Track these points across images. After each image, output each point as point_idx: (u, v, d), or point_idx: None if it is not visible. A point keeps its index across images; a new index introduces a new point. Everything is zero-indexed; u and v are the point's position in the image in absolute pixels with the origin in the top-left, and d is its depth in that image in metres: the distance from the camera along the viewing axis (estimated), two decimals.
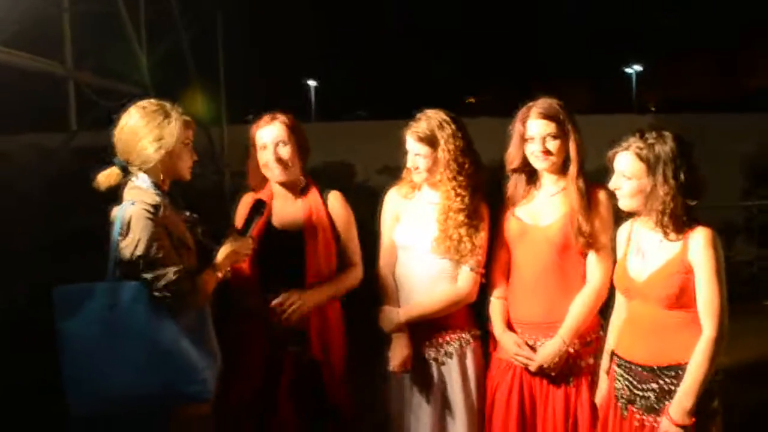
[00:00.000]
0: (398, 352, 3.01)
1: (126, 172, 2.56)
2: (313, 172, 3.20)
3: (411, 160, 3.04)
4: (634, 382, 2.61)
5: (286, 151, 3.01)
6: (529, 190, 3.03)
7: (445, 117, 2.99)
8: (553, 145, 2.87)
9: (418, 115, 3.03)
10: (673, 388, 2.50)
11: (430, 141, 2.97)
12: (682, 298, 2.51)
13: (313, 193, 3.09)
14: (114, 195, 2.58)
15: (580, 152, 2.88)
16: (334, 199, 3.11)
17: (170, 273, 2.44)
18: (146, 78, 6.35)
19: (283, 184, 3.08)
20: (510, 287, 3.05)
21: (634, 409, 2.60)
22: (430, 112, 3.02)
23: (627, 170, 2.56)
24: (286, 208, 3.08)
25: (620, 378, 2.67)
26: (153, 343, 2.43)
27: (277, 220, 3.07)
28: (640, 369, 2.60)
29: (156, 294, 2.44)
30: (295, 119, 3.09)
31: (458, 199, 2.97)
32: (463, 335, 3.07)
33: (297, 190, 3.11)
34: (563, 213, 2.91)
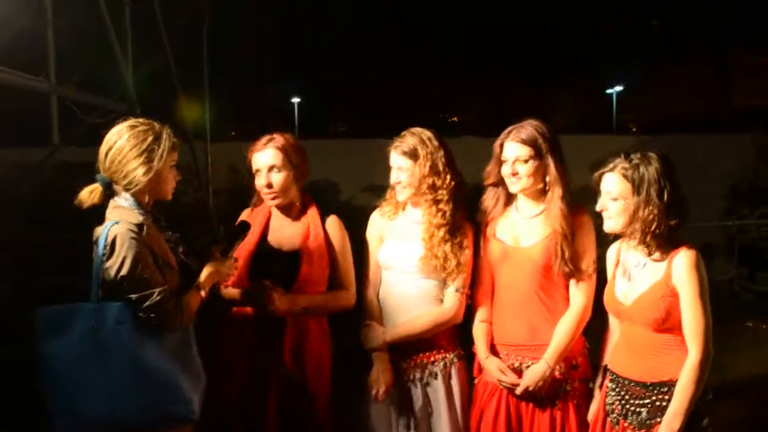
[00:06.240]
0: (381, 377, 3.00)
1: (109, 189, 2.53)
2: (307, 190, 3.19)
3: (394, 175, 3.07)
4: (627, 398, 2.62)
5: (278, 178, 3.00)
6: (506, 208, 3.05)
7: (428, 134, 3.04)
8: (522, 168, 2.90)
9: (403, 132, 3.08)
10: (665, 404, 2.52)
11: (413, 155, 3.00)
12: (669, 321, 2.53)
13: (313, 215, 3.08)
14: (96, 210, 2.55)
15: (561, 176, 2.90)
16: (332, 223, 3.11)
17: (155, 293, 2.42)
18: (131, 94, 6.33)
19: (277, 206, 3.08)
20: (494, 309, 3.06)
21: (626, 425, 2.62)
22: (415, 129, 3.07)
23: (613, 191, 2.59)
24: (283, 229, 3.08)
25: (612, 393, 2.68)
26: (137, 364, 2.40)
27: (273, 239, 3.06)
28: (632, 384, 2.62)
29: (141, 315, 2.42)
30: (292, 140, 3.07)
31: (439, 214, 2.99)
32: (448, 355, 3.07)
33: (294, 211, 3.10)
34: (545, 235, 2.93)
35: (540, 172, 2.92)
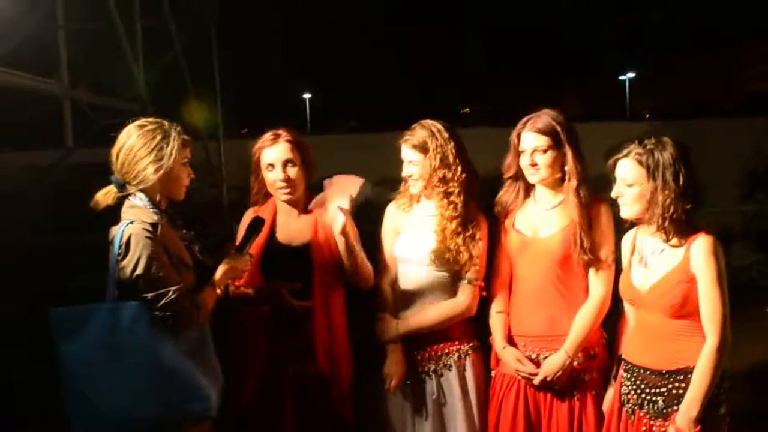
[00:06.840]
0: (394, 370, 3.00)
1: (123, 190, 2.54)
2: (311, 187, 3.18)
3: (405, 169, 3.06)
4: (643, 387, 2.61)
5: (294, 172, 3.00)
6: (525, 200, 3.04)
7: (439, 126, 3.03)
8: (541, 158, 2.88)
9: (414, 125, 3.07)
10: (681, 392, 2.51)
11: (422, 148, 2.99)
12: (686, 307, 2.51)
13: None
14: (111, 211, 2.56)
15: (579, 166, 2.88)
16: None
17: (171, 292, 2.43)
18: (143, 94, 6.36)
19: (288, 201, 3.08)
20: (512, 300, 3.05)
21: (642, 414, 2.60)
22: (425, 122, 3.06)
23: (628, 177, 2.57)
24: (290, 225, 3.07)
25: (627, 382, 2.67)
26: (155, 362, 2.41)
27: (282, 236, 3.05)
28: (648, 373, 2.60)
29: (157, 313, 2.42)
30: (298, 135, 3.06)
31: (450, 206, 2.98)
32: (462, 347, 3.07)
33: (301, 206, 3.10)
34: (563, 225, 2.91)
35: (558, 162, 2.90)
